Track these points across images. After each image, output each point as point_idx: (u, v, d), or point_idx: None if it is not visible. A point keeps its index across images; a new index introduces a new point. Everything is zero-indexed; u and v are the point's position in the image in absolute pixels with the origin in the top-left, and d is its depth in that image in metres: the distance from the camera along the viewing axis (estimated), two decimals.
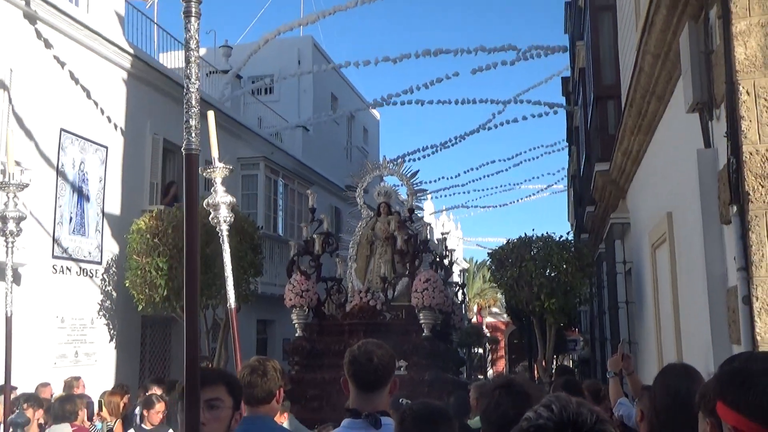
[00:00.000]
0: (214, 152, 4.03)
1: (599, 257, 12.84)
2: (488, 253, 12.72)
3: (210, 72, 17.40)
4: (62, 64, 10.95)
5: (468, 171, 30.01)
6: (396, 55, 14.93)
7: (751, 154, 3.56)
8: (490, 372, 37.24)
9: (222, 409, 2.37)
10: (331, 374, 7.70)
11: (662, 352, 6.59)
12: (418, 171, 10.64)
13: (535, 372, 14.32)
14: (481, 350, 36.75)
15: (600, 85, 9.58)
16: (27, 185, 4.95)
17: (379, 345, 3.07)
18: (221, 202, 3.96)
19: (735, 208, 3.66)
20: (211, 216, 4.00)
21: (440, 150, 19.70)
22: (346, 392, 3.04)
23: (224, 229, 3.95)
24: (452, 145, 19.41)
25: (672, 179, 5.64)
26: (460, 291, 10.32)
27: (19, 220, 4.72)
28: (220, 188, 3.95)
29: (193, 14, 1.89)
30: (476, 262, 44.04)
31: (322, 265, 9.77)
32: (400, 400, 4.49)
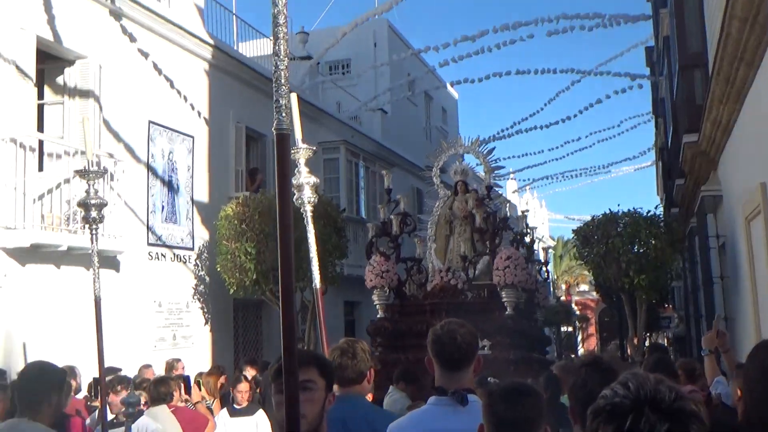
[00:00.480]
0: (298, 134, 4.00)
1: (691, 231, 12.38)
2: (573, 230, 12.43)
3: (289, 59, 17.65)
4: (147, 58, 11.32)
5: (552, 149, 29.36)
6: (474, 32, 14.79)
7: None
8: (580, 350, 36.65)
9: (315, 391, 2.38)
10: (414, 354, 7.65)
11: (760, 328, 6.33)
12: (494, 148, 10.50)
13: (627, 350, 14.02)
14: (570, 328, 36.16)
15: (685, 53, 9.22)
16: (106, 172, 5.10)
17: (462, 324, 3.09)
18: (305, 183, 3.94)
19: None
20: (295, 197, 3.96)
21: (521, 126, 19.31)
22: (431, 371, 3.08)
23: (308, 209, 3.96)
24: (533, 115, 18.91)
25: (765, 148, 5.40)
26: (544, 268, 10.05)
27: (101, 207, 4.74)
28: (303, 169, 3.95)
29: None
30: (563, 239, 43.25)
31: (401, 245, 9.74)
32: (488, 379, 4.48)
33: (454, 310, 8.16)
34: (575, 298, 41.07)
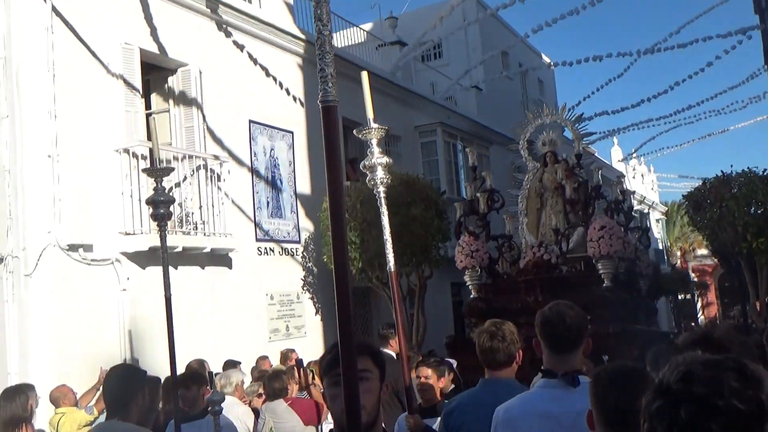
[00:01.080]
0: (369, 113, 4.00)
1: None
2: (683, 195, 11.96)
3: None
4: (242, 60, 11.58)
5: (661, 117, 28.02)
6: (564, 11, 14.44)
7: None
8: (701, 318, 35.18)
9: (372, 381, 2.33)
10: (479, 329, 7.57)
11: None
12: (582, 114, 10.12)
13: (750, 317, 13.41)
14: (689, 296, 34.75)
15: None
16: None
17: (571, 306, 3.07)
18: (377, 164, 3.92)
19: None
20: (368, 178, 4.01)
21: (617, 79, 18.52)
22: (539, 353, 3.06)
23: (381, 191, 3.91)
24: (628, 68, 18.08)
25: None
26: (644, 236, 9.60)
27: (168, 204, 4.55)
28: (375, 149, 3.90)
29: None
30: (675, 203, 41.50)
31: (489, 223, 9.59)
32: (603, 357, 4.42)
33: (548, 286, 8.13)
34: (692, 264, 39.38)
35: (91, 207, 8.71)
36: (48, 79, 8.44)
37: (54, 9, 8.57)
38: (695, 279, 36.90)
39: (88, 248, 8.59)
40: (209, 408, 5.34)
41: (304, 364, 9.16)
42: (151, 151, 9.69)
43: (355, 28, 17.81)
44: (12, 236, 8.13)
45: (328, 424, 6.38)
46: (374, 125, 3.94)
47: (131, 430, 3.19)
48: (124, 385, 3.38)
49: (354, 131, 4.55)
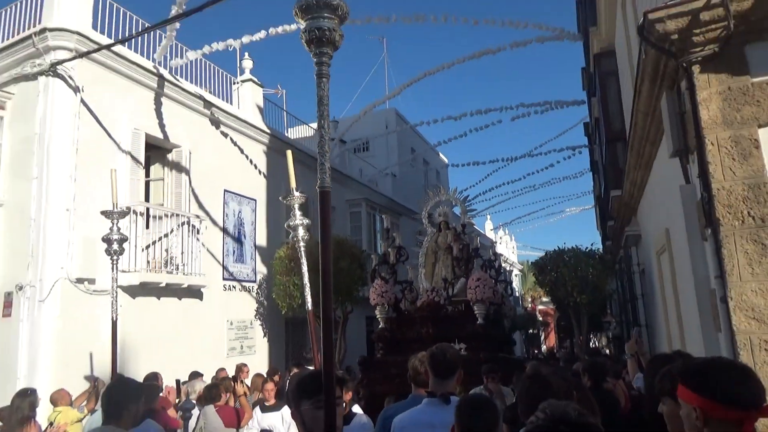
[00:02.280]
0: (293, 183, 3.99)
1: (620, 260, 12.43)
2: (531, 262, 12.52)
3: None
4: (222, 144, 11.59)
5: (517, 194, 29.27)
6: (456, 114, 15.16)
7: (718, 189, 3.51)
8: (543, 347, 36.10)
9: (341, 405, 2.35)
10: (407, 356, 7.42)
11: (670, 335, 6.37)
12: (468, 195, 10.41)
13: (575, 349, 13.95)
14: (535, 331, 35.71)
15: (610, 130, 9.36)
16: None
17: (450, 346, 3.22)
18: (299, 224, 3.98)
19: (709, 231, 3.61)
20: (291, 235, 3.96)
21: (495, 183, 19.33)
22: (427, 378, 3.15)
23: (302, 246, 3.92)
24: (502, 167, 18.94)
25: (666, 204, 5.51)
26: (508, 287, 9.80)
27: (121, 241, 4.51)
28: (297, 213, 3.93)
29: (324, 75, 1.75)
30: (529, 262, 42.87)
31: (396, 271, 9.54)
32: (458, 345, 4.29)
33: (437, 321, 8.01)
34: (540, 307, 40.48)
35: (96, 250, 8.42)
36: (72, 152, 8.25)
37: (82, 100, 8.45)
38: (541, 319, 37.94)
39: (91, 281, 8.30)
40: (180, 414, 4.96)
41: (243, 378, 8.94)
42: (148, 209, 9.59)
43: (306, 126, 18.09)
44: (31, 270, 7.78)
45: (248, 429, 6.15)
46: (296, 194, 3.97)
47: None
48: (120, 396, 3.09)
49: (280, 197, 4.64)
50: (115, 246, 4.43)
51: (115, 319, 4.60)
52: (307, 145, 15.85)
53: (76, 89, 8.34)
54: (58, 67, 8.11)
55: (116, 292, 4.56)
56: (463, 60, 11.50)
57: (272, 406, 6.11)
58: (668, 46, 3.69)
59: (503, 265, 33.59)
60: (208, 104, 11.03)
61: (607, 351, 21.89)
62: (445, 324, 7.90)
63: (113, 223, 4.39)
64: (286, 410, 5.93)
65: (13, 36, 8.68)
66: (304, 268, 3.96)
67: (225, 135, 11.65)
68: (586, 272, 10.72)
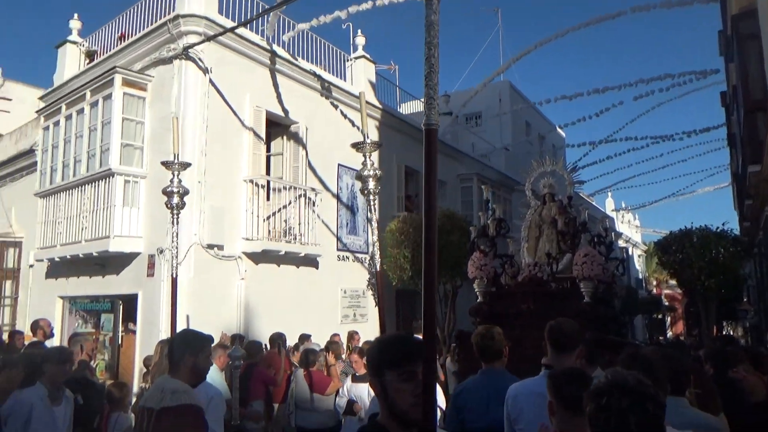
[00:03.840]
0: (366, 129, 3.68)
1: (759, 242, 11.24)
2: (654, 242, 11.65)
3: None
4: (337, 120, 11.92)
5: (640, 162, 27.28)
6: (571, 93, 14.40)
7: None
8: (669, 333, 33.83)
9: None
10: (505, 331, 7.20)
11: None
12: (575, 166, 9.73)
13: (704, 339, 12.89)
14: (660, 316, 33.49)
15: (749, 99, 8.43)
16: (188, 165, 4.52)
17: (569, 320, 3.18)
18: (369, 175, 3.64)
19: None
20: (360, 186, 3.68)
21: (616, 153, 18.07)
22: (545, 352, 3.15)
23: (371, 199, 3.63)
24: (626, 152, 17.65)
25: None
26: (620, 265, 9.08)
27: (183, 194, 4.18)
28: (368, 162, 3.60)
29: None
30: (652, 244, 40.10)
31: (496, 244, 8.99)
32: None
33: (539, 297, 7.68)
34: (666, 291, 37.86)
35: (224, 218, 9.14)
36: (202, 128, 8.95)
37: (210, 80, 9.11)
38: (666, 303, 35.50)
39: (220, 247, 9.01)
40: (230, 362, 4.62)
41: (355, 344, 9.27)
42: (268, 182, 10.18)
43: (417, 100, 18.12)
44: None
45: (338, 397, 6.14)
46: (368, 140, 3.68)
47: (176, 385, 2.89)
48: (177, 348, 3.04)
49: (350, 144, 4.34)
50: (176, 199, 4.14)
51: (174, 276, 4.37)
52: (417, 119, 15.92)
53: (205, 70, 9.00)
54: (189, 50, 8.79)
55: (176, 249, 4.37)
56: (578, 27, 10.80)
57: (362, 376, 6.00)
58: None
59: (624, 245, 31.72)
60: (324, 82, 11.39)
61: (743, 342, 20.05)
62: (548, 301, 7.58)
63: (174, 175, 4.10)
64: None
65: (150, 24, 9.52)
66: (374, 224, 3.80)
67: (339, 111, 11.99)
68: (717, 254, 9.80)
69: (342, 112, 12.09)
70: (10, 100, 15.39)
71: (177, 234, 4.22)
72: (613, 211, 31.62)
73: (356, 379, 6.06)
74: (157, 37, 9.21)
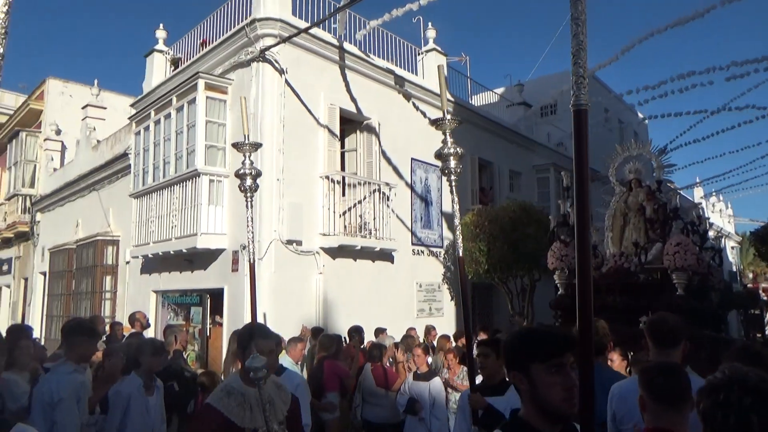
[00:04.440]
0: (444, 106, 3.43)
1: None
2: (750, 232, 10.77)
3: (508, 105, 17.57)
4: (409, 115, 11.91)
5: (733, 152, 25.40)
6: (654, 82, 13.57)
7: None
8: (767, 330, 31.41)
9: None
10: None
11: None
12: (665, 148, 9.08)
13: None
14: (758, 312, 31.16)
15: None
16: (261, 145, 4.29)
17: (672, 315, 3.03)
18: (450, 153, 3.34)
19: None
20: (441, 166, 3.42)
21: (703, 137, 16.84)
22: (646, 349, 3.04)
23: (452, 179, 3.38)
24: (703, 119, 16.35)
25: None
26: (717, 255, 8.33)
27: (256, 176, 3.90)
28: (448, 140, 3.38)
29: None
30: (747, 234, 37.40)
31: None
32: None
33: (626, 290, 7.28)
34: (764, 285, 35.18)
35: (303, 215, 9.37)
36: (279, 128, 9.22)
37: (286, 81, 9.36)
38: (765, 298, 32.98)
39: (298, 243, 9.26)
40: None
41: (432, 340, 9.20)
42: (343, 178, 10.34)
43: (489, 91, 17.81)
44: (250, 232, 8.94)
45: (400, 394, 6.02)
46: (448, 116, 3.35)
47: (222, 383, 2.99)
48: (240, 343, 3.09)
49: (429, 122, 4.14)
50: (249, 181, 3.85)
51: (252, 261, 4.10)
52: (490, 110, 15.65)
53: (281, 71, 9.26)
54: (266, 53, 9.07)
55: (252, 234, 4.06)
56: (665, 29, 10.18)
57: (424, 374, 5.89)
58: None
59: (717, 235, 29.78)
60: (398, 79, 11.42)
61: None
62: (636, 293, 7.16)
63: (246, 156, 3.83)
64: (434, 382, 5.82)
65: (229, 29, 9.91)
66: (456, 207, 3.46)
67: (413, 105, 11.98)
68: None
69: (414, 104, 12.07)
70: (105, 108, 16.52)
71: (252, 219, 4.05)
72: (702, 198, 29.73)
73: (418, 377, 5.90)
74: (235, 41, 9.57)
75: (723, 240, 32.44)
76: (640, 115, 24.58)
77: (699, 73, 11.03)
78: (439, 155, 3.41)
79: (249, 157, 3.90)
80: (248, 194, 3.91)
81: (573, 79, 1.47)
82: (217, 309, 9.88)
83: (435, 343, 8.87)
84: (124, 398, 4.19)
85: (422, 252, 11.87)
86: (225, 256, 9.36)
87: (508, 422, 1.76)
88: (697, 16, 10.12)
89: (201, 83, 9.39)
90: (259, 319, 8.29)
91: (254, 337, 2.82)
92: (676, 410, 2.22)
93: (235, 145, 3.95)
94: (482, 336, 9.12)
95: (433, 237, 12.25)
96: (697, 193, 30.94)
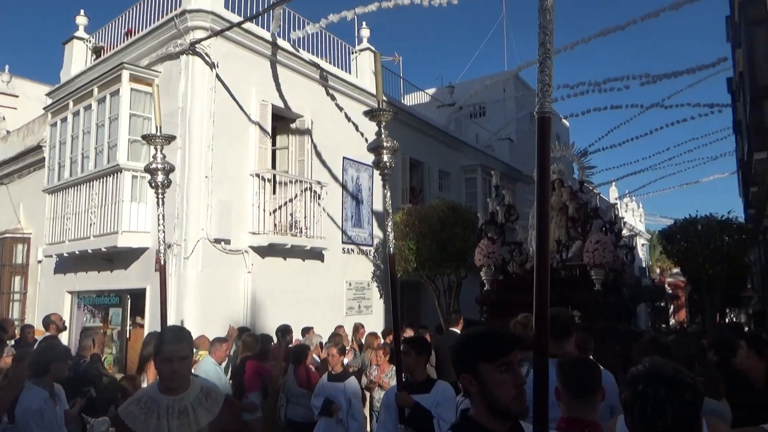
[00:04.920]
0: (380, 95, 3.32)
1: (765, 229, 11.23)
2: (659, 232, 11.63)
3: (439, 105, 17.90)
4: (341, 112, 11.94)
5: (645, 158, 27.16)
6: (573, 82, 14.26)
7: None
8: (672, 321, 33.91)
9: None
10: (512, 320, 6.88)
11: None
12: (586, 151, 9.48)
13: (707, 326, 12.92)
14: (663, 304, 33.55)
15: (756, 86, 8.41)
16: (174, 138, 3.98)
17: (563, 309, 3.40)
18: (384, 146, 3.19)
19: None
20: (374, 159, 3.28)
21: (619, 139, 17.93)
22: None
23: (385, 173, 3.29)
24: (629, 120, 17.39)
25: None
26: (630, 252, 8.78)
27: (168, 171, 3.54)
28: (382, 132, 3.23)
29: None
30: (656, 232, 40.02)
31: (505, 232, 8.85)
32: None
33: (549, 286, 7.51)
34: (669, 279, 37.83)
35: (231, 213, 9.19)
36: (209, 123, 8.99)
37: (217, 75, 9.14)
38: (670, 291, 35.49)
39: (227, 242, 9.08)
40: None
41: (360, 338, 9.25)
42: (274, 176, 10.21)
43: (421, 92, 18.09)
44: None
45: (314, 396, 5.64)
46: (383, 108, 3.24)
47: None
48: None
49: (363, 112, 3.77)
50: (160, 177, 3.47)
51: (163, 262, 3.78)
52: (422, 111, 15.91)
53: (212, 65, 9.03)
54: (196, 45, 8.81)
55: (163, 233, 3.68)
56: (588, 39, 10.68)
57: (339, 374, 5.60)
58: None
59: (628, 232, 31.72)
60: (324, 72, 11.32)
61: (746, 328, 20.10)
62: (557, 289, 7.15)
63: (157, 150, 3.47)
64: (350, 382, 5.55)
65: (157, 20, 9.54)
66: (388, 199, 3.41)
67: (341, 105, 11.99)
68: (722, 243, 9.82)
69: (339, 105, 12.07)
70: (16, 96, 15.45)
71: (163, 216, 3.70)
72: (616, 199, 31.55)
73: (333, 377, 5.59)
74: (164, 32, 9.23)
75: (635, 238, 34.59)
76: (565, 123, 25.82)
77: (617, 79, 11.70)
78: (372, 148, 3.27)
79: (161, 150, 3.56)
80: (159, 190, 3.58)
81: (539, 86, 1.51)
82: (138, 310, 9.52)
83: (363, 340, 8.94)
84: (35, 413, 3.92)
85: (352, 250, 11.93)
86: (148, 255, 9.03)
87: (458, 423, 1.74)
88: (619, 28, 10.73)
89: (126, 74, 8.99)
90: (177, 322, 8.13)
91: (164, 343, 2.54)
92: (586, 401, 2.43)
93: (146, 138, 3.65)
94: (409, 333, 9.29)
95: (364, 235, 12.34)
96: (612, 194, 32.82)
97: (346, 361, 7.04)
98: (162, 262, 3.75)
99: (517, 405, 1.60)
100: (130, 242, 8.86)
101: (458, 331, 6.85)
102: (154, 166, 3.51)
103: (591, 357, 4.33)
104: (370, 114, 3.15)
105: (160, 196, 3.59)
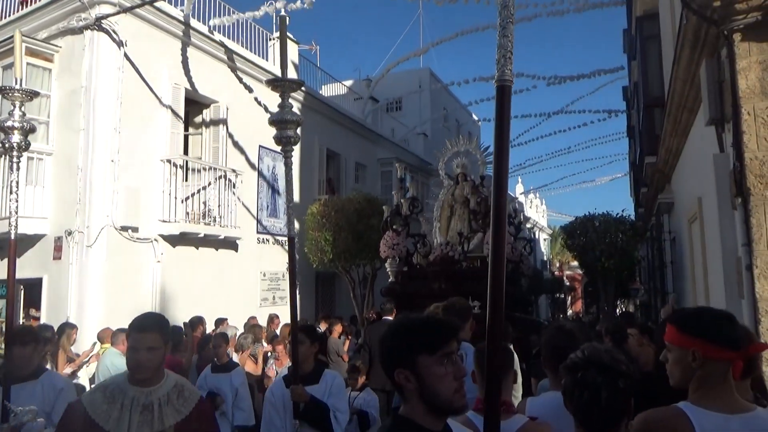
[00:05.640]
0: (285, 64, 2.97)
1: (652, 227, 12.32)
2: (560, 227, 12.47)
3: (356, 98, 17.97)
4: (258, 100, 11.74)
5: (550, 156, 28.83)
6: (487, 75, 14.93)
7: (750, 159, 3.53)
8: (569, 312, 36.26)
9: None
10: (418, 311, 6.84)
11: (696, 302, 6.41)
12: (488, 147, 9.85)
13: (600, 314, 14.02)
14: (562, 295, 35.80)
15: (649, 96, 9.15)
16: (37, 93, 3.33)
17: (461, 298, 3.82)
18: (289, 120, 2.91)
19: (740, 200, 3.64)
20: (276, 134, 3.01)
21: (525, 138, 18.98)
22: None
23: (289, 149, 3.03)
24: (537, 125, 18.63)
25: (700, 172, 5.47)
26: (528, 245, 9.28)
27: (27, 132, 2.98)
28: (287, 104, 2.95)
29: None
30: (557, 228, 42.58)
31: (409, 224, 8.87)
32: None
33: (451, 277, 7.54)
34: (567, 272, 40.38)
35: (140, 199, 8.78)
36: (116, 105, 8.51)
37: (125, 54, 8.65)
38: (568, 284, 37.89)
39: (134, 230, 8.68)
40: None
41: (274, 329, 9.19)
42: (186, 162, 9.84)
43: (338, 83, 18.06)
44: (79, 217, 8.18)
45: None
46: (290, 78, 2.93)
47: None
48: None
49: (265, 81, 3.39)
50: (17, 137, 2.91)
51: (13, 238, 3.02)
52: (339, 102, 15.91)
53: (120, 43, 8.53)
54: (102, 21, 8.28)
55: (16, 202, 3.08)
56: (497, 26, 11.18)
57: (224, 365, 5.33)
58: (710, 13, 3.64)
59: (532, 228, 33.49)
60: (232, 54, 10.94)
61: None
62: (459, 280, 7.55)
63: (15, 106, 2.91)
64: (235, 373, 5.29)
65: None
66: (291, 177, 3.20)
67: (255, 96, 11.75)
68: (616, 238, 10.71)
69: (248, 87, 11.84)
70: None
71: (17, 185, 3.06)
72: (521, 194, 33.20)
73: (217, 368, 5.26)
74: (65, 4, 8.59)
75: (537, 232, 36.61)
76: (476, 118, 26.73)
77: (528, 76, 12.29)
78: (274, 121, 2.92)
79: (21, 107, 2.94)
80: (14, 153, 2.95)
81: (500, 52, 1.37)
82: (32, 301, 8.85)
83: (278, 331, 8.87)
84: None
85: (267, 240, 11.78)
86: (45, 243, 8.43)
87: (390, 422, 1.56)
88: (525, 19, 11.26)
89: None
90: (77, 314, 7.69)
91: (131, 330, 2.39)
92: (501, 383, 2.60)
93: (2, 90, 2.98)
94: (324, 325, 9.34)
95: (279, 225, 12.20)
96: (518, 189, 34.50)
97: (261, 353, 7.01)
98: (12, 244, 2.99)
99: (458, 399, 1.43)
100: (25, 228, 8.19)
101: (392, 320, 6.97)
102: (9, 123, 2.92)
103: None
104: (273, 83, 2.84)
105: (15, 160, 3.01)
